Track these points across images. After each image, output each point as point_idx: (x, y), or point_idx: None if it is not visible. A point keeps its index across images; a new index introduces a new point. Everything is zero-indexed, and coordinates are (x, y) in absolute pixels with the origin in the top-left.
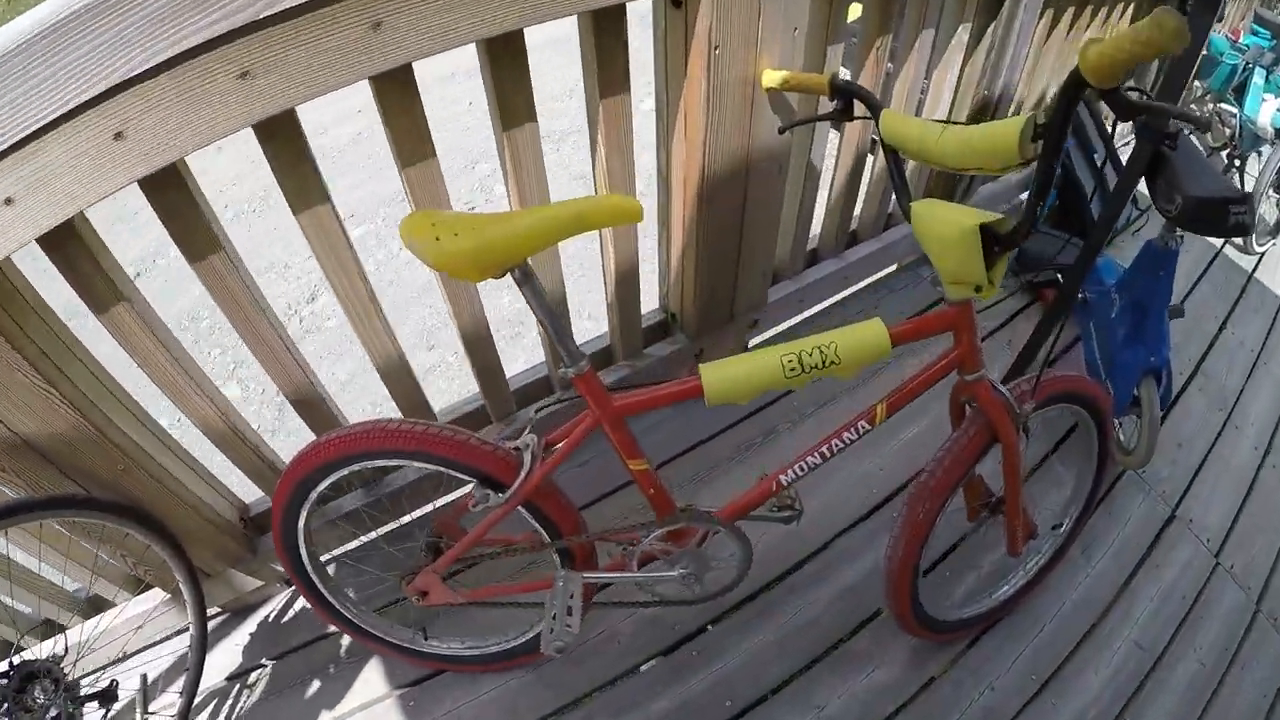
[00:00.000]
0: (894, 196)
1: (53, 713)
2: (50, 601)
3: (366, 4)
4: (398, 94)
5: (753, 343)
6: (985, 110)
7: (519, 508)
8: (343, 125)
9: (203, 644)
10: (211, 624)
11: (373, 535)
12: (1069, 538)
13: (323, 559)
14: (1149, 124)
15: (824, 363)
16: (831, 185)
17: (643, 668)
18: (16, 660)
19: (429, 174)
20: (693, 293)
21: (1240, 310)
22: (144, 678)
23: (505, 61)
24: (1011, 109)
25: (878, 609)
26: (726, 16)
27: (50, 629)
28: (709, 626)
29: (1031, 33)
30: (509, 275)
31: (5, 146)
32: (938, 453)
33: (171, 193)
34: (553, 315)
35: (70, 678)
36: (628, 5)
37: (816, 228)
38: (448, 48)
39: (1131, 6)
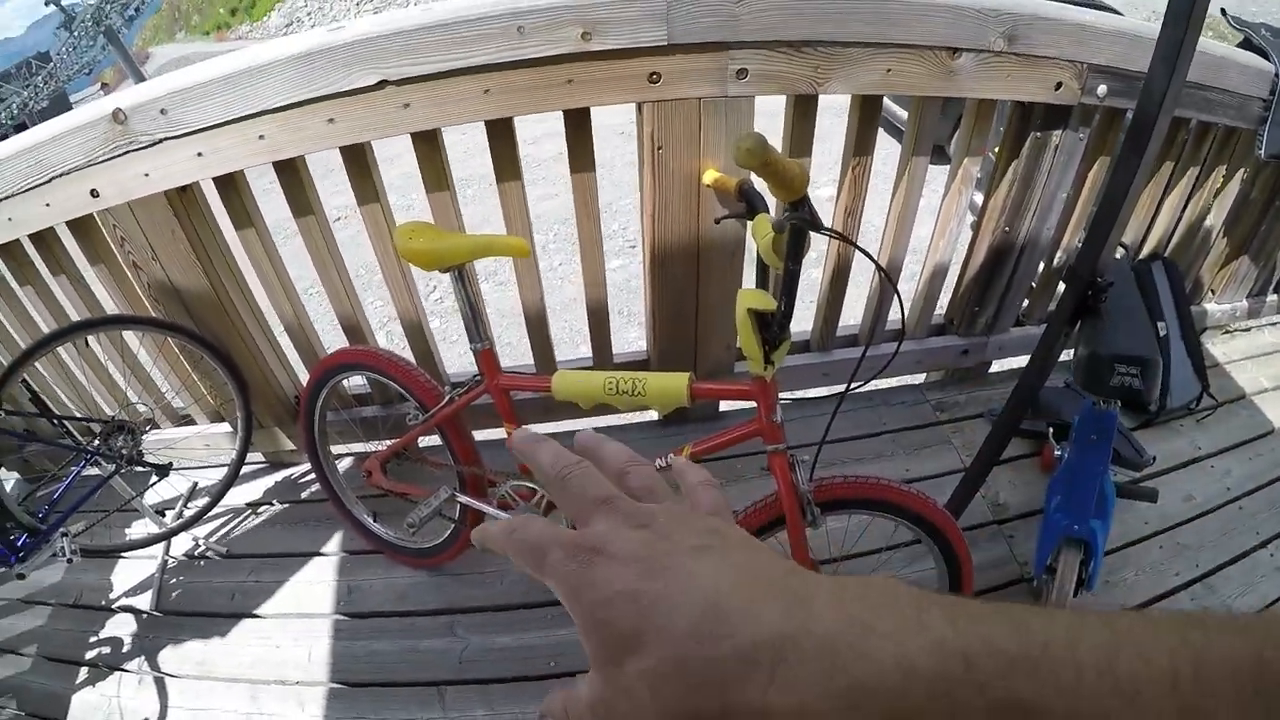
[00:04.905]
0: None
1: (123, 453)
2: (152, 400)
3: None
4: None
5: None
6: (1007, 252)
7: (437, 433)
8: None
9: (238, 466)
10: (249, 469)
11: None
12: None
13: (332, 450)
14: (1077, 270)
15: (634, 391)
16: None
17: (495, 613)
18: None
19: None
20: (654, 340)
21: None
22: (195, 484)
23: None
24: (1046, 257)
25: None
26: (666, 125)
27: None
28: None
29: (1070, 180)
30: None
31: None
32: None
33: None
34: (472, 307)
35: (142, 447)
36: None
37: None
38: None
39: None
